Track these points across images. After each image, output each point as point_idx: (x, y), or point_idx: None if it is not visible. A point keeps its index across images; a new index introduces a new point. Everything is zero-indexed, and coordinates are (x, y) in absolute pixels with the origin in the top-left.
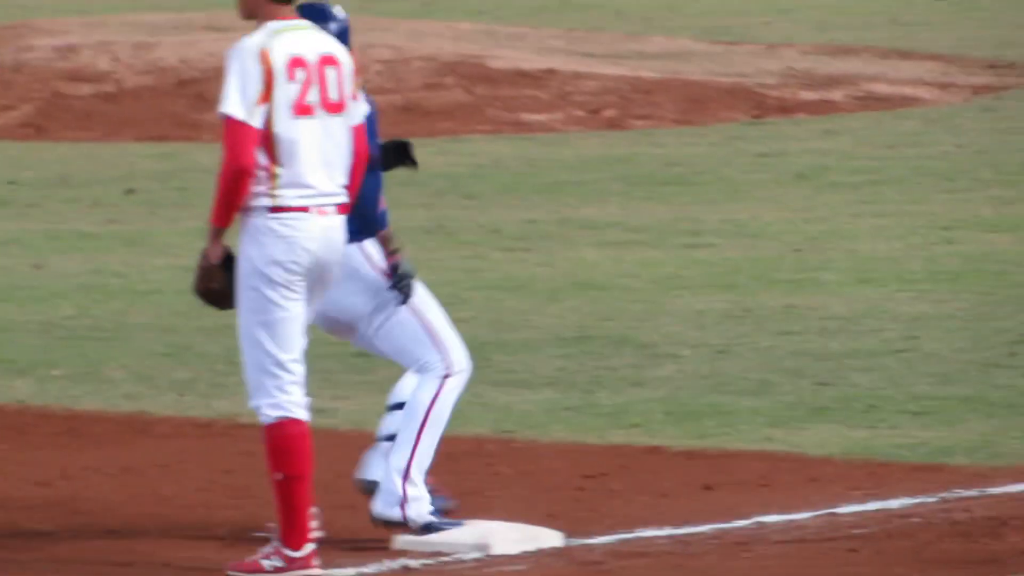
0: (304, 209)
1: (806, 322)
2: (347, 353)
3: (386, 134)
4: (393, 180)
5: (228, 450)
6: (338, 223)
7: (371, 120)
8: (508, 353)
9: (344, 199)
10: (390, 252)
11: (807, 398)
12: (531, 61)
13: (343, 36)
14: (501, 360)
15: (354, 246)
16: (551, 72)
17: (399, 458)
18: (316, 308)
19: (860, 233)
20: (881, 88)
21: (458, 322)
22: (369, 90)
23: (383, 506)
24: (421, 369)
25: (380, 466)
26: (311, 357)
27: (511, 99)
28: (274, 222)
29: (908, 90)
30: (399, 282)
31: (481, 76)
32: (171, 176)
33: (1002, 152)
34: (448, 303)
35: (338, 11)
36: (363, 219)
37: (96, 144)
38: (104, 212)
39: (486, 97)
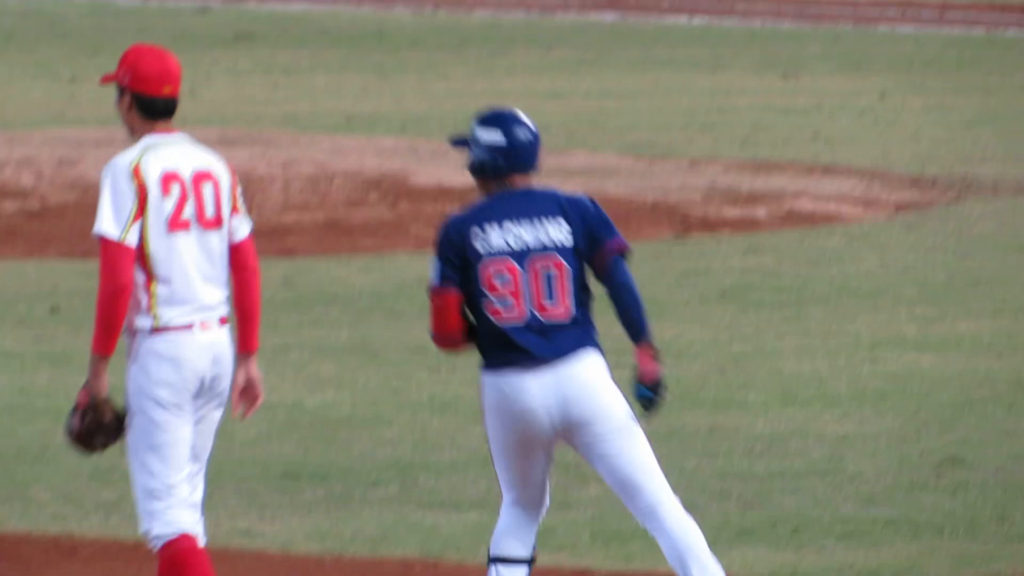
0: (187, 327)
1: (731, 443)
2: (272, 474)
3: (307, 250)
4: (317, 299)
5: (156, 571)
6: (223, 337)
7: (602, 217)
8: (434, 474)
9: (225, 312)
10: (652, 357)
11: (733, 520)
12: (454, 177)
13: (535, 148)
14: (427, 481)
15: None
16: (475, 189)
17: None
18: (210, 431)
19: (785, 352)
20: (804, 205)
21: (383, 443)
22: (292, 206)
23: None
24: (656, 494)
25: None
26: (236, 479)
27: (434, 215)
28: (158, 343)
29: (832, 206)
30: (656, 394)
31: (404, 192)
32: (96, 294)
33: (926, 270)
34: (372, 423)
35: (531, 122)
36: (631, 323)
37: (20, 262)
38: (29, 331)
39: (409, 213)
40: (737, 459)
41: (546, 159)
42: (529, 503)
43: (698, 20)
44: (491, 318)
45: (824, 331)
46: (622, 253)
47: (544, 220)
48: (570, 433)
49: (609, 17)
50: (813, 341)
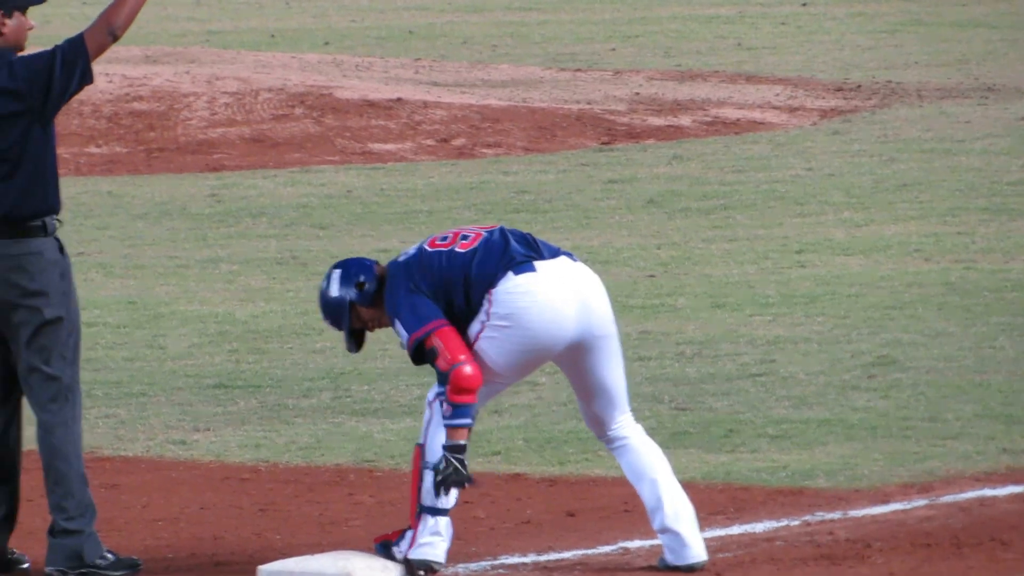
0: None
1: (662, 347)
2: (205, 385)
3: (234, 165)
4: (244, 213)
5: (92, 482)
6: None
7: None
8: (367, 382)
9: None
10: None
11: (666, 423)
12: (379, 91)
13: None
14: (360, 390)
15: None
16: (399, 101)
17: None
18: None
19: (713, 258)
20: (729, 112)
21: (315, 353)
22: (217, 122)
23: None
24: (622, 412)
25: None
26: (168, 390)
27: (360, 129)
28: None
29: (756, 114)
30: None
31: (329, 106)
32: None
33: (852, 175)
34: (303, 333)
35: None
36: None
37: None
38: None
39: (335, 127)
40: (668, 363)
41: (471, 72)
42: None
43: None
44: (461, 252)
45: (752, 236)
46: None
47: None
48: (583, 336)
49: None
50: (741, 246)
